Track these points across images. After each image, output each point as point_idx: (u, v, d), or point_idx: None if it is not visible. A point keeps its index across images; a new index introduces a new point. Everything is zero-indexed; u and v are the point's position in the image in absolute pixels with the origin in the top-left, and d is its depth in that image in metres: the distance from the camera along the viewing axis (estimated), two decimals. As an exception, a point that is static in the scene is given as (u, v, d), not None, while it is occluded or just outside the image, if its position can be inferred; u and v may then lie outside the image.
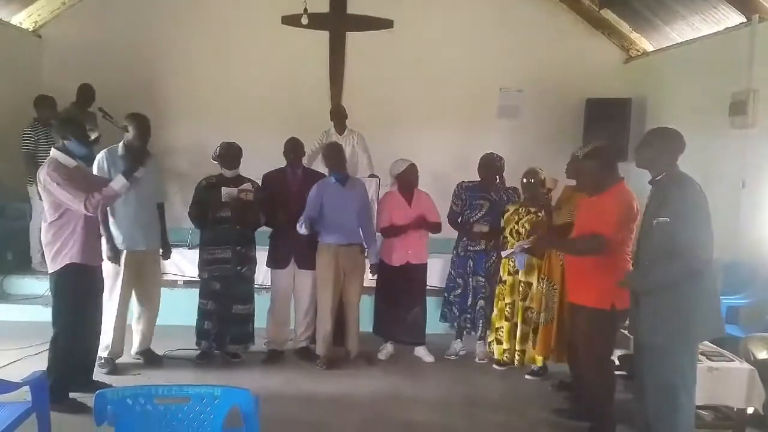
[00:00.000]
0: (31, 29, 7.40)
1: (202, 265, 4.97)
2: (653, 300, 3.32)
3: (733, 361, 4.03)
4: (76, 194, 3.82)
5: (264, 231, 5.14)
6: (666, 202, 3.22)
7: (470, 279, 5.25)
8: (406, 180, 5.17)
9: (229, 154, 4.94)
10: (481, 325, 5.25)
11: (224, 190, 4.78)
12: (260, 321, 5.19)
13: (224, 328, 4.96)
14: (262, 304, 5.28)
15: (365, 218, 5.06)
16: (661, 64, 7.16)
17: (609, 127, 6.80)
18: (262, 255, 5.17)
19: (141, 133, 4.55)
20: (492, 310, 5.15)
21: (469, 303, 5.26)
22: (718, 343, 4.29)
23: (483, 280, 5.22)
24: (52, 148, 4.03)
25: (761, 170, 5.17)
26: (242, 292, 5.01)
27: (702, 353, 3.98)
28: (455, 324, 5.37)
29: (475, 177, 5.30)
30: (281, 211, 4.92)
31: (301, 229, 4.75)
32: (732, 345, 4.44)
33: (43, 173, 3.89)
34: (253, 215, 4.91)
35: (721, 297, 4.90)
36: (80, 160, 4.06)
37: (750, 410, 3.97)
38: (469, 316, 5.28)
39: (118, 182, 3.97)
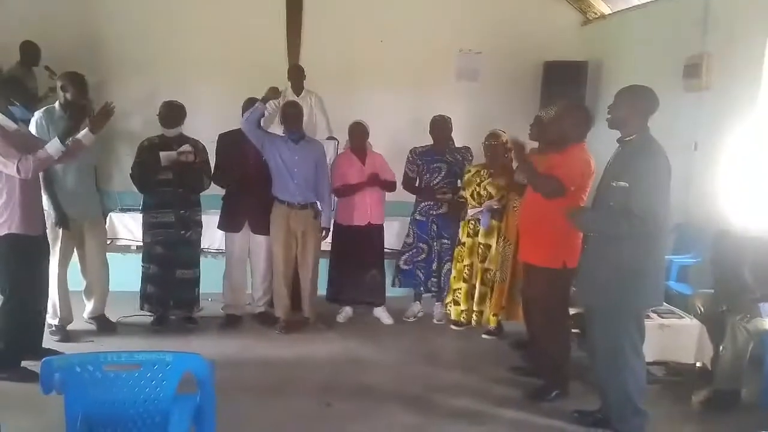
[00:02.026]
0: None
1: (145, 228, 4.85)
2: (597, 263, 3.36)
3: (683, 318, 4.15)
4: (8, 156, 3.62)
5: (211, 195, 5.04)
6: (629, 166, 3.22)
7: (435, 243, 5.25)
8: (353, 137, 5.14)
9: (169, 114, 4.76)
10: (448, 288, 5.28)
11: (162, 154, 4.62)
12: (215, 286, 5.14)
13: (168, 293, 4.87)
14: (213, 268, 5.21)
15: (320, 179, 4.97)
16: (617, 27, 7.17)
17: (566, 90, 6.80)
18: (212, 218, 5.09)
19: (78, 91, 4.33)
20: None
21: (435, 267, 5.27)
22: (668, 300, 4.41)
23: (448, 242, 5.24)
24: None
25: (713, 132, 5.25)
26: (186, 257, 4.90)
27: (653, 311, 4.10)
28: (421, 289, 5.38)
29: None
30: (236, 172, 4.83)
31: (246, 115, 4.67)
32: (682, 302, 4.58)
33: None
34: (196, 178, 4.79)
35: (673, 257, 5.08)
36: (22, 123, 3.87)
37: (698, 365, 4.10)
38: (435, 279, 5.29)
39: (53, 146, 3.77)
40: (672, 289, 4.89)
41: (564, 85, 7.04)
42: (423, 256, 5.29)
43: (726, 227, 4.36)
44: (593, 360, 3.56)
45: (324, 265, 5.27)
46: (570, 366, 4.03)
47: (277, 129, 5.27)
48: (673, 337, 4.03)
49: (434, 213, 5.23)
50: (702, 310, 4.30)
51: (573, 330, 4.05)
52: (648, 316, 3.95)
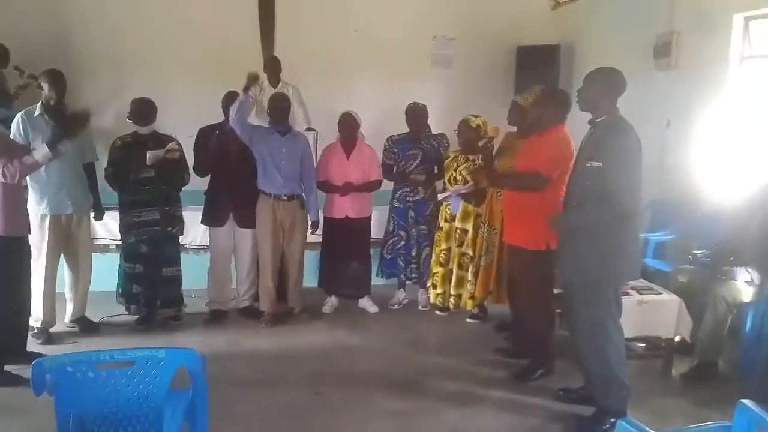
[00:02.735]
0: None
1: (127, 228, 4.78)
2: (576, 242, 3.41)
3: (662, 293, 4.23)
4: None
5: (191, 191, 5.00)
6: (602, 146, 3.27)
7: (413, 229, 5.28)
8: (341, 129, 5.13)
9: (141, 111, 4.69)
10: (428, 273, 5.30)
11: (150, 153, 4.56)
12: (197, 282, 5.12)
13: (154, 292, 4.84)
14: (195, 264, 5.21)
15: (306, 172, 4.97)
16: (587, 10, 7.22)
17: (539, 74, 6.85)
18: (192, 214, 5.09)
19: (57, 90, 4.30)
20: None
21: (414, 253, 5.30)
22: (646, 276, 4.50)
23: (426, 228, 5.28)
24: None
25: (684, 110, 5.35)
26: (171, 254, 4.89)
27: (632, 287, 4.17)
28: (402, 276, 5.42)
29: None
30: (217, 165, 4.82)
31: (233, 112, 4.60)
32: (659, 279, 4.68)
33: None
34: (178, 173, 4.76)
35: (648, 234, 5.18)
36: (1, 124, 3.84)
37: (677, 339, 4.20)
38: (414, 266, 5.33)
39: (41, 152, 3.75)
40: (649, 265, 4.98)
41: (537, 68, 7.10)
42: (402, 243, 5.33)
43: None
44: (575, 337, 3.63)
45: (315, 256, 5.33)
46: (554, 345, 4.11)
47: (253, 119, 5.25)
48: (652, 312, 4.08)
49: (410, 200, 5.27)
50: (683, 283, 4.38)
51: (556, 310, 4.11)
52: (627, 293, 4.03)
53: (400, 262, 5.36)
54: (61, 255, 4.61)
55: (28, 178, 4.20)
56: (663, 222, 5.39)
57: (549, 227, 3.55)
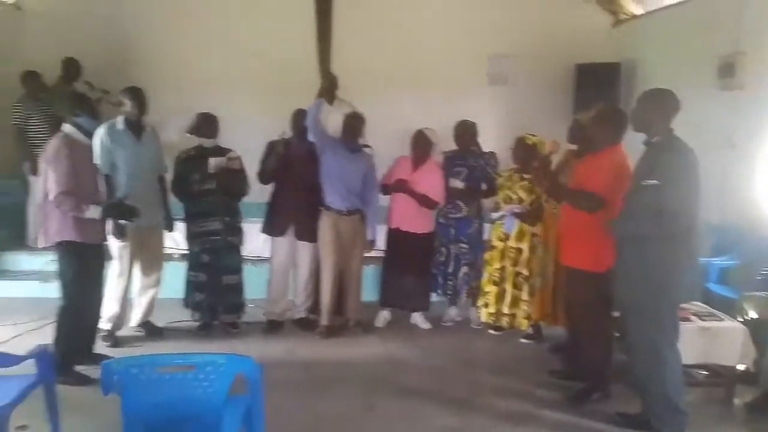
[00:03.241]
0: (11, 2, 7.23)
1: (191, 237, 4.97)
2: (632, 262, 3.37)
3: (724, 320, 4.10)
4: (60, 181, 3.84)
5: (252, 203, 5.13)
6: (657, 165, 3.26)
7: (452, 246, 5.29)
8: (411, 145, 5.19)
9: (206, 124, 4.88)
10: (464, 291, 5.32)
11: (212, 160, 4.75)
12: (254, 292, 5.24)
13: (216, 300, 5.00)
14: (254, 275, 5.34)
15: (368, 189, 5.06)
16: (649, 28, 7.14)
17: (599, 92, 6.77)
18: (251, 226, 5.20)
19: (139, 106, 4.57)
20: (477, 276, 5.24)
21: (451, 270, 5.31)
22: (709, 302, 4.38)
23: (466, 246, 5.27)
24: (64, 124, 4.03)
25: (750, 132, 5.21)
26: (232, 263, 5.03)
27: (694, 313, 4.08)
28: (438, 291, 5.43)
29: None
30: (282, 176, 4.95)
31: (311, 111, 4.79)
32: (722, 305, 4.52)
33: (53, 145, 3.92)
34: (240, 184, 4.92)
35: (711, 258, 5.03)
36: (89, 138, 4.10)
37: (741, 368, 4.06)
38: (451, 283, 5.34)
39: (94, 211, 3.95)
40: (712, 291, 4.84)
41: (597, 87, 7.02)
42: (442, 258, 5.34)
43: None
44: (632, 360, 3.57)
45: (374, 271, 5.45)
46: (612, 368, 4.03)
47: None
48: (715, 339, 3.94)
49: (452, 217, 5.27)
50: (748, 312, 4.23)
51: (614, 333, 4.04)
52: (688, 319, 3.94)
53: (440, 279, 5.38)
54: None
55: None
56: (727, 246, 5.23)
57: (605, 228, 3.51)
